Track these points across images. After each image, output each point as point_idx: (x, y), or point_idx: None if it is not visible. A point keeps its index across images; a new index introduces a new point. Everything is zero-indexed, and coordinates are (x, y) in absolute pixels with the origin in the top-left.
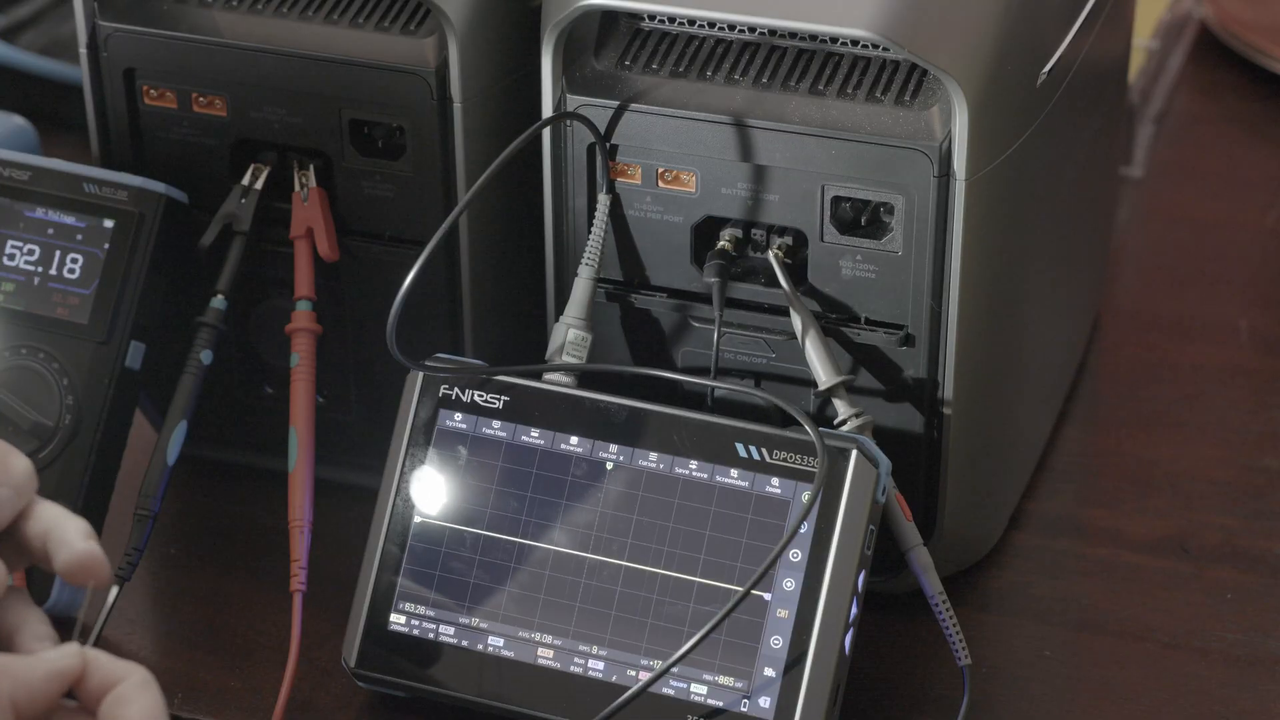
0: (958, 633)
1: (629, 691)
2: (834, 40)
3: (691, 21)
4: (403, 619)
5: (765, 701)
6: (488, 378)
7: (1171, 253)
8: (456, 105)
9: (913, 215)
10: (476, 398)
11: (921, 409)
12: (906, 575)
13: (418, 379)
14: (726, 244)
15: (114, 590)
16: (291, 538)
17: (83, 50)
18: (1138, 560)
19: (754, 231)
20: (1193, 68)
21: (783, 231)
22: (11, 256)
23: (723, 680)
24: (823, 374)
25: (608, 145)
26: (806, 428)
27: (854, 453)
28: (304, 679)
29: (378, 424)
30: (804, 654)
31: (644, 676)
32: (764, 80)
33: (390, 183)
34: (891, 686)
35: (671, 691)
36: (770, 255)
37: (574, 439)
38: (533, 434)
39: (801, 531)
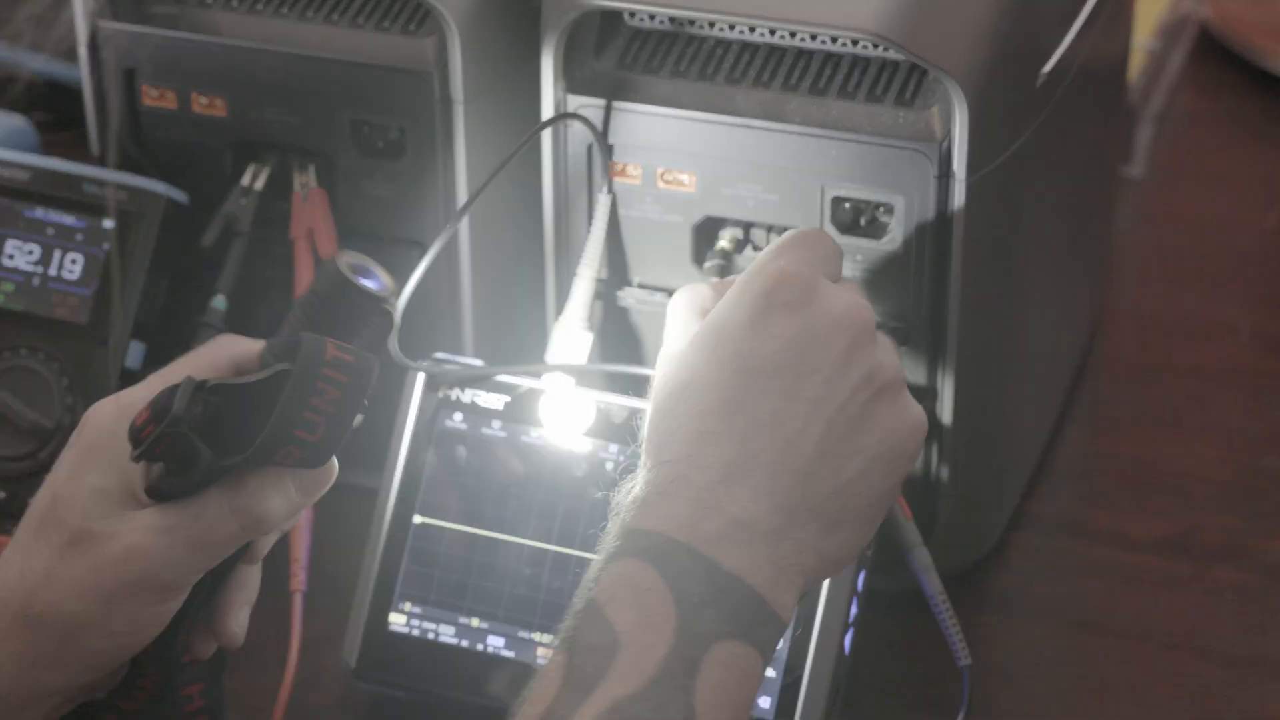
0: (958, 633)
1: None
2: (834, 40)
3: (691, 22)
4: (403, 619)
5: (765, 701)
6: (488, 378)
7: (1171, 253)
8: (457, 105)
9: (913, 215)
10: (476, 398)
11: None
12: (906, 575)
13: (418, 379)
14: (726, 244)
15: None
16: (291, 538)
17: (83, 50)
18: (1138, 560)
19: (754, 231)
20: (1193, 68)
21: (783, 231)
22: (11, 256)
23: None
24: None
25: (607, 145)
26: None
27: None
28: (304, 679)
29: (378, 424)
30: (804, 654)
31: None
32: (764, 80)
33: (390, 183)
34: (891, 686)
35: None
36: None
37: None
38: (533, 434)
39: None
